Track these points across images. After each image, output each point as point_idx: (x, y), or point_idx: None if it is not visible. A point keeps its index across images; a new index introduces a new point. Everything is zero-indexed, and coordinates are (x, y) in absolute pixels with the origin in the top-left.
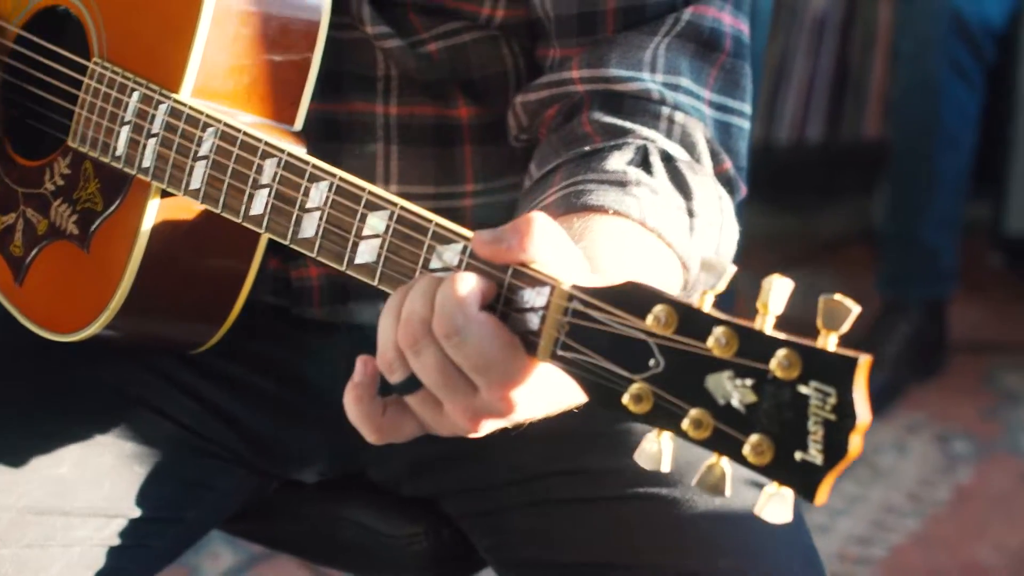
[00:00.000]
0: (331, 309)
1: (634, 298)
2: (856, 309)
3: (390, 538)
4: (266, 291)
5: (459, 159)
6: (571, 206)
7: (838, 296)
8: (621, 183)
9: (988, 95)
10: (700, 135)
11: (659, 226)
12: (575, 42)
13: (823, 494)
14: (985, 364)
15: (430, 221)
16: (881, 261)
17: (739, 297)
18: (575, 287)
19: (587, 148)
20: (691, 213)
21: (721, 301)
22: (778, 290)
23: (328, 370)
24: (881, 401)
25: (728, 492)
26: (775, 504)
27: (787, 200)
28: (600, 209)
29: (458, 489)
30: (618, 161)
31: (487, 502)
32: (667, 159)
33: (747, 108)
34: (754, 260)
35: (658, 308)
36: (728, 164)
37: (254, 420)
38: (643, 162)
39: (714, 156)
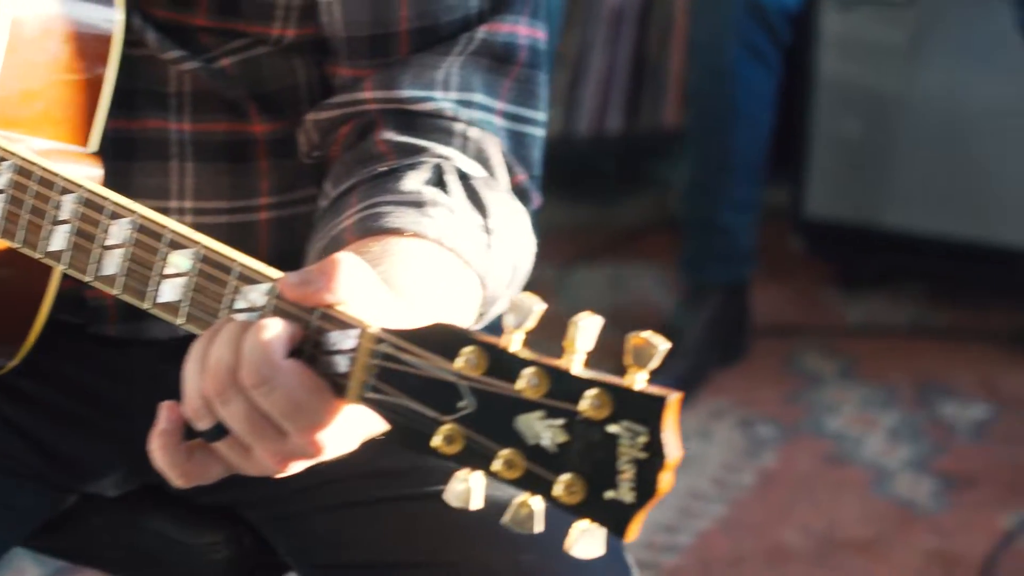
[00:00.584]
0: (126, 326)
1: (443, 340)
2: (665, 346)
3: (190, 547)
4: (63, 310)
5: (254, 173)
6: (368, 229)
7: (645, 334)
8: (418, 204)
9: (786, 77)
10: (495, 150)
11: (457, 245)
12: (368, 63)
13: (634, 531)
14: (787, 348)
15: (235, 261)
16: (680, 246)
17: (538, 288)
18: (384, 330)
19: (382, 168)
20: (488, 230)
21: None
22: (586, 329)
23: (124, 385)
24: (684, 388)
25: (539, 529)
26: (586, 540)
27: (588, 191)
28: (397, 231)
29: (257, 496)
30: (414, 181)
31: (286, 507)
32: (463, 177)
33: (541, 116)
34: (557, 251)
35: (467, 349)
36: (522, 176)
37: (52, 436)
38: (439, 181)
39: (509, 169)
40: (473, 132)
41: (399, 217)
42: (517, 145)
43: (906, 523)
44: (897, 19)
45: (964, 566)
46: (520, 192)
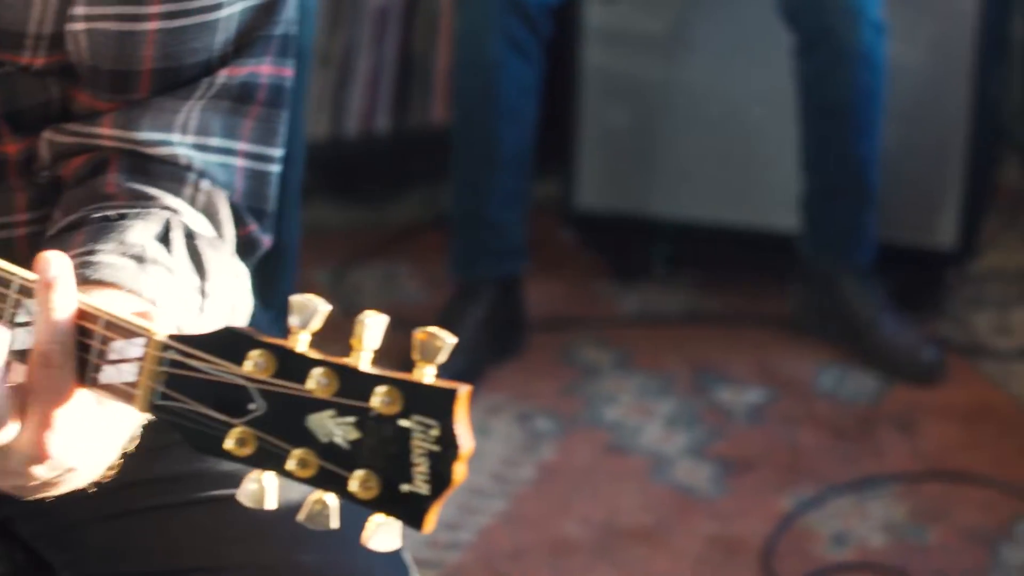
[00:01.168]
0: None
1: (231, 344)
2: (451, 340)
3: None
4: None
5: (8, 191)
6: (85, 279)
7: (431, 329)
8: (139, 258)
9: (551, 70)
10: (224, 204)
11: (169, 307)
12: (109, 97)
13: (431, 523)
14: (563, 341)
15: (15, 275)
16: (451, 244)
17: (314, 290)
18: (171, 336)
19: (111, 213)
20: (204, 293)
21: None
22: (372, 326)
23: None
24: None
25: (335, 525)
26: (383, 533)
27: (359, 192)
28: (113, 285)
29: (30, 509)
30: (140, 233)
31: (61, 519)
32: (188, 235)
33: (278, 152)
34: (330, 253)
35: (255, 352)
36: (252, 227)
37: None
38: (164, 237)
39: (239, 220)
40: (205, 184)
41: (117, 271)
42: (258, 184)
43: (686, 509)
44: (659, 10)
45: (745, 549)
46: (250, 242)
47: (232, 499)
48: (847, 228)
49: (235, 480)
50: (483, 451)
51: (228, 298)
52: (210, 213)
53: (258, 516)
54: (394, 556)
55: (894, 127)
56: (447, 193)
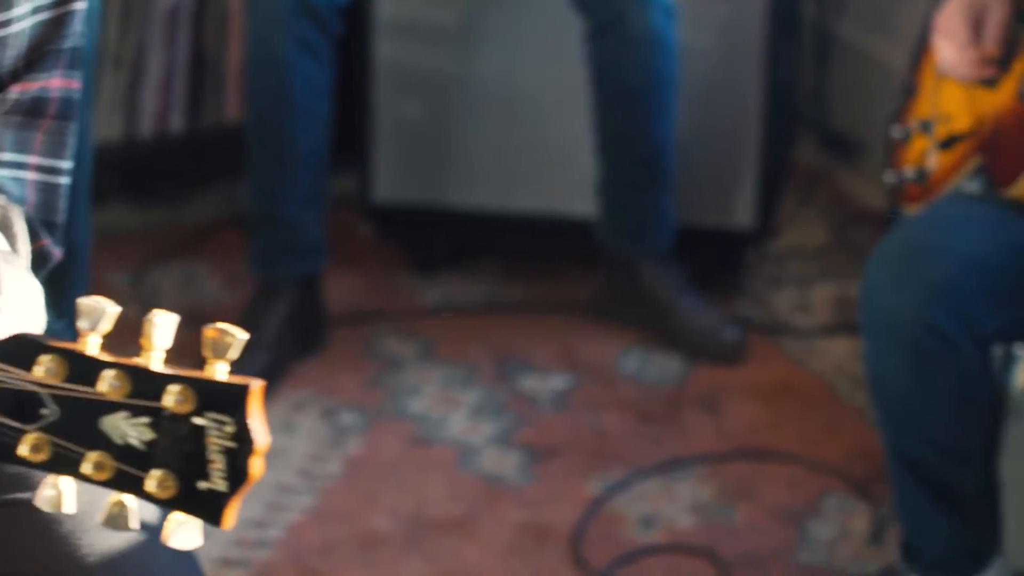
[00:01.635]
0: None
1: (20, 350)
2: (242, 336)
3: None
4: None
5: None
6: None
7: (221, 325)
8: None
9: (344, 65)
10: (19, 219)
11: None
12: None
13: (230, 519)
14: (366, 334)
15: None
16: (249, 243)
17: (113, 293)
18: None
19: None
20: None
21: None
22: (161, 325)
23: None
24: (265, 383)
25: (135, 526)
26: (183, 532)
27: (155, 193)
28: None
29: None
30: None
31: None
32: None
33: (68, 165)
34: (128, 255)
35: (45, 358)
36: (46, 241)
37: None
38: None
39: (34, 234)
40: None
41: None
42: (49, 197)
43: (494, 498)
44: (449, 2)
45: (554, 536)
46: (42, 255)
47: (23, 504)
48: (644, 212)
49: (27, 484)
50: (289, 447)
51: (22, 313)
52: (5, 227)
53: (46, 520)
54: (186, 559)
55: (688, 111)
56: (244, 191)
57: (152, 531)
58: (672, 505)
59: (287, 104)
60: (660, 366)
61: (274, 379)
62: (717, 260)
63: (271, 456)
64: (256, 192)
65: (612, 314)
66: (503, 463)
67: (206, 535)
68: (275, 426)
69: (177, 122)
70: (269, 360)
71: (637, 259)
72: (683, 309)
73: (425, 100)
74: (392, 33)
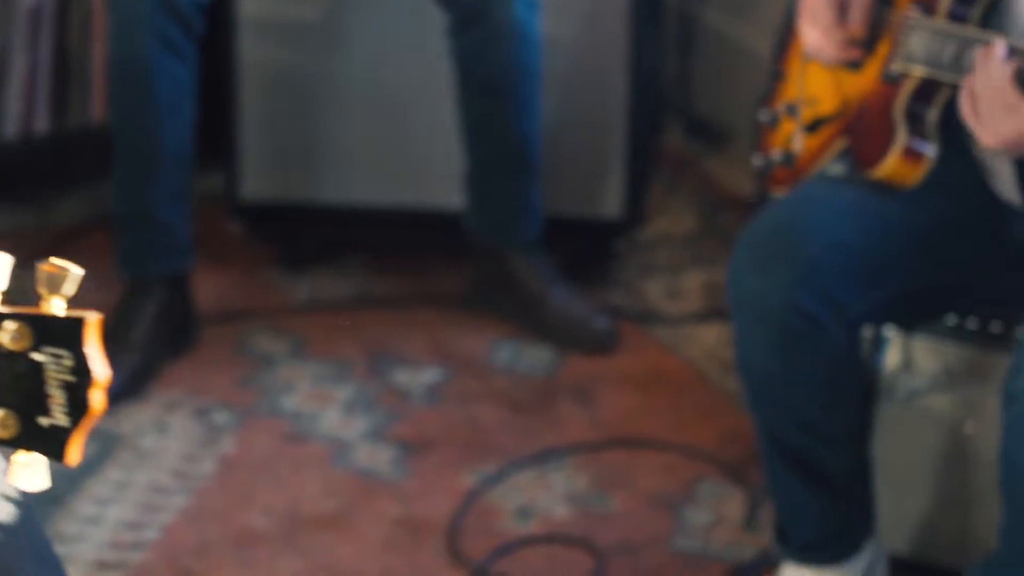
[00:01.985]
0: None
1: None
2: (78, 271)
3: None
4: None
5: None
6: None
7: (54, 260)
8: None
9: (209, 62)
10: None
11: None
12: None
13: (74, 453)
14: (237, 333)
15: None
16: (117, 243)
17: None
18: None
19: None
20: None
21: None
22: None
23: None
24: (137, 384)
25: None
26: (28, 472)
27: (21, 195)
28: None
29: None
30: None
31: None
32: None
33: None
34: None
35: None
36: None
37: None
38: None
39: None
40: None
41: None
42: None
43: (369, 494)
44: None
45: (430, 530)
46: None
47: None
48: (512, 204)
49: None
50: (162, 448)
51: None
52: None
53: None
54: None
55: (553, 101)
56: (111, 191)
57: (11, 533)
58: (547, 495)
59: (151, 103)
60: (532, 357)
61: (145, 380)
62: (587, 249)
63: (144, 456)
64: (122, 192)
65: (483, 306)
66: (377, 458)
67: (79, 538)
68: (147, 427)
69: (42, 123)
70: (140, 361)
71: (507, 251)
72: (554, 299)
73: (291, 97)
74: (256, 31)
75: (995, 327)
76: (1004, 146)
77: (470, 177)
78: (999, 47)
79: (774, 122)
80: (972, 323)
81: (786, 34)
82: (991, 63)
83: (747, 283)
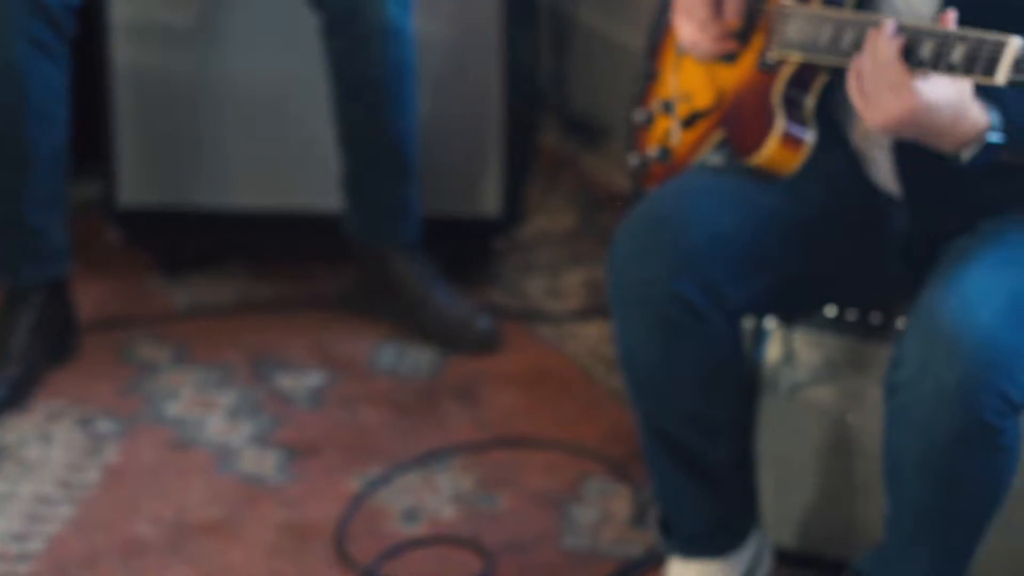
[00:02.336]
0: None
1: None
2: None
3: None
4: None
5: None
6: None
7: None
8: None
9: (83, 69)
10: None
11: None
12: None
13: None
14: (118, 340)
15: None
16: None
17: None
18: None
19: None
20: None
21: None
22: None
23: None
24: (18, 395)
25: None
26: None
27: None
28: None
29: None
30: None
31: None
32: None
33: None
34: None
35: None
36: None
37: None
38: None
39: None
40: None
41: None
42: None
43: (255, 499)
44: (186, 2)
45: (317, 534)
46: None
47: None
48: (390, 205)
49: None
50: (46, 458)
51: None
52: None
53: None
54: None
55: (429, 101)
56: None
57: None
58: (434, 497)
59: (22, 107)
60: (415, 358)
61: (27, 390)
62: (467, 249)
63: (28, 468)
64: None
65: (365, 308)
66: (263, 463)
67: None
68: (31, 437)
69: None
70: (20, 371)
71: (386, 252)
72: (435, 300)
73: (166, 101)
74: (129, 34)
75: (875, 318)
76: (891, 126)
77: (348, 179)
78: (888, 25)
79: (649, 121)
80: (852, 315)
81: (659, 32)
82: (879, 41)
83: (627, 273)
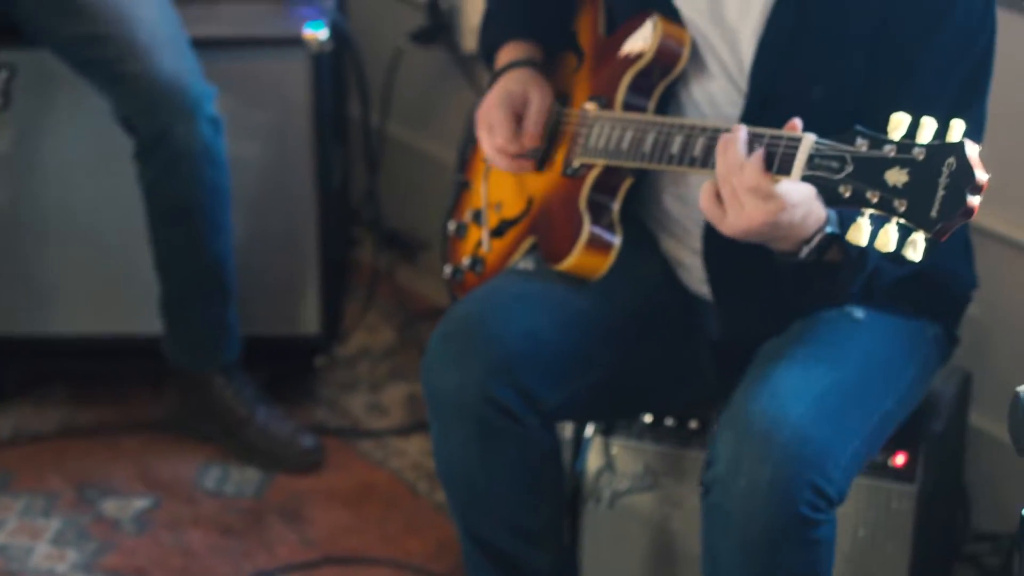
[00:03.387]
0: None
1: None
2: None
3: None
4: None
5: None
6: None
7: None
8: None
9: None
10: None
11: None
12: None
13: None
14: None
15: None
16: None
17: None
18: None
19: None
20: None
21: None
22: None
23: None
24: None
25: None
26: None
27: None
28: None
29: None
30: None
31: None
32: None
33: None
34: None
35: None
36: None
37: None
38: None
39: None
40: None
41: None
42: None
43: None
44: None
45: None
46: None
47: None
48: (209, 326)
49: None
50: None
51: None
52: None
53: None
54: None
55: (244, 221)
56: None
57: None
58: None
59: None
60: (240, 479)
61: None
62: (288, 368)
63: None
64: None
65: (188, 430)
66: None
67: None
68: None
69: None
70: None
71: (207, 374)
72: (258, 420)
73: None
74: None
75: (692, 424)
76: (753, 232)
77: (165, 302)
78: (740, 133)
79: (462, 231)
80: (670, 421)
81: (469, 144)
82: (733, 150)
83: (443, 378)
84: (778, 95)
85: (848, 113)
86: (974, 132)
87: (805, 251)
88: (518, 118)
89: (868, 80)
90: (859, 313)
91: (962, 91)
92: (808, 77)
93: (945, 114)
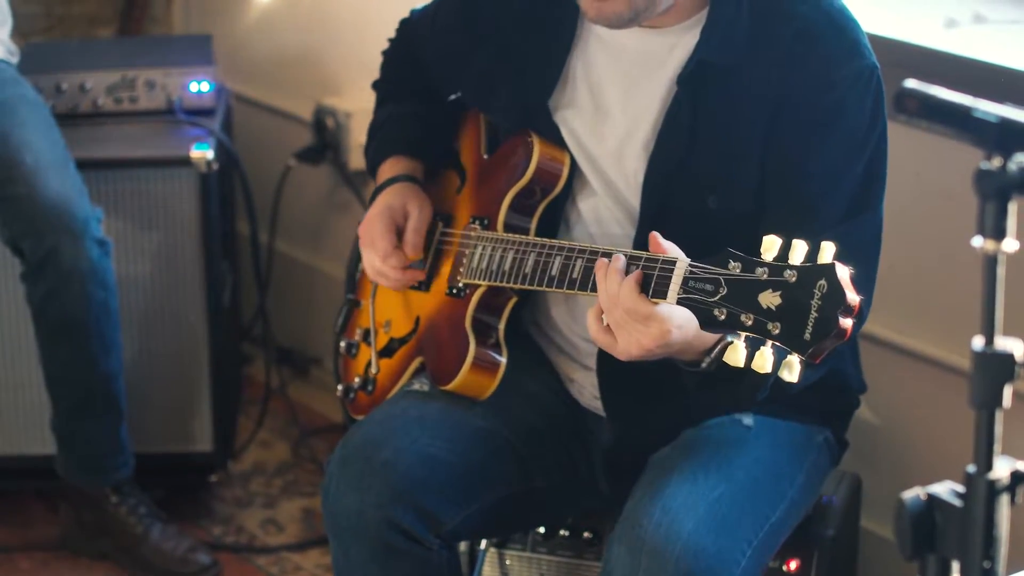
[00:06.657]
0: None
1: None
2: None
3: None
4: None
5: None
6: None
7: None
8: None
9: None
10: None
11: None
12: None
13: None
14: None
15: None
16: None
17: None
18: None
19: None
20: None
21: None
22: None
23: None
24: None
25: None
26: None
27: None
28: None
29: None
30: None
31: None
32: None
33: None
34: None
35: None
36: None
37: None
38: None
39: None
40: None
41: None
42: None
43: None
44: None
45: None
46: None
47: None
48: (101, 444)
49: None
50: None
51: None
52: None
53: None
54: None
55: (135, 340)
56: None
57: None
58: None
59: None
60: None
61: None
62: (182, 485)
63: None
64: None
65: (83, 549)
66: None
67: None
68: None
69: None
70: None
71: (101, 492)
72: (153, 538)
73: None
74: None
75: (586, 534)
76: (645, 355)
77: (57, 420)
78: (618, 263)
79: (353, 350)
80: (563, 531)
81: (357, 263)
82: (612, 278)
83: (342, 502)
84: (672, 206)
85: (740, 217)
86: (871, 239)
87: (707, 361)
88: (399, 232)
89: (761, 185)
90: (748, 420)
91: (855, 195)
92: (704, 188)
93: (839, 218)
